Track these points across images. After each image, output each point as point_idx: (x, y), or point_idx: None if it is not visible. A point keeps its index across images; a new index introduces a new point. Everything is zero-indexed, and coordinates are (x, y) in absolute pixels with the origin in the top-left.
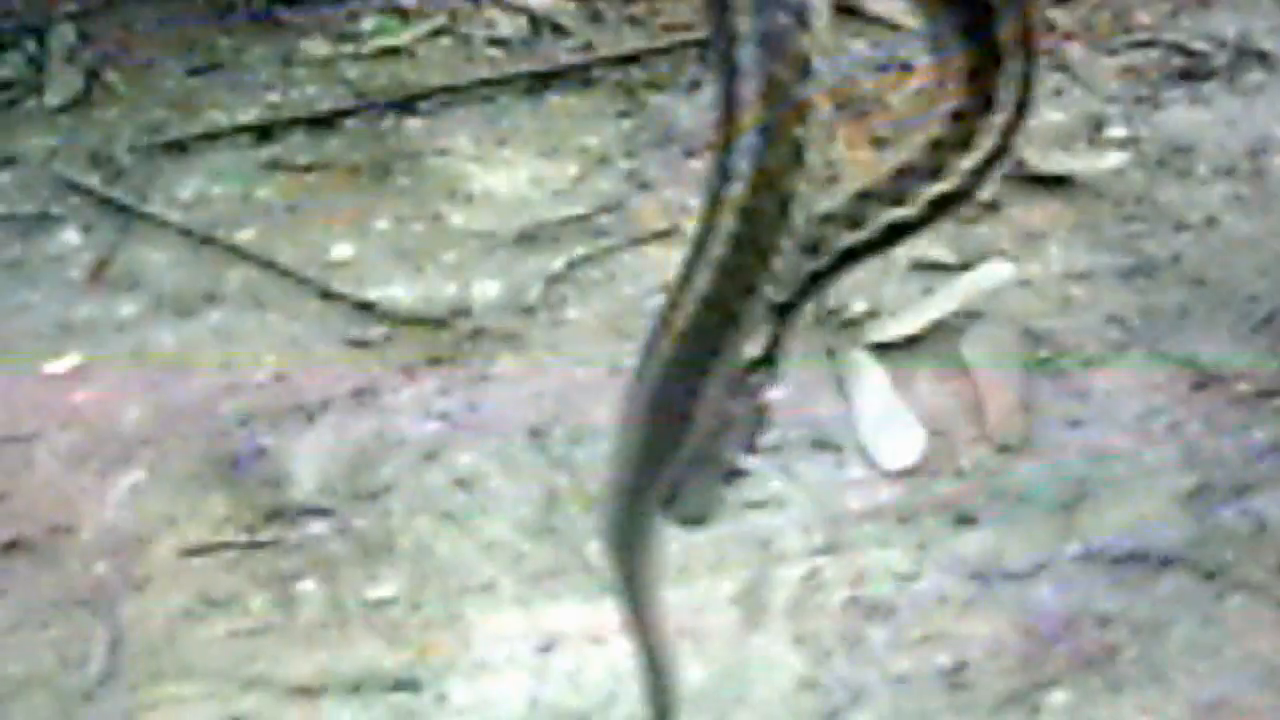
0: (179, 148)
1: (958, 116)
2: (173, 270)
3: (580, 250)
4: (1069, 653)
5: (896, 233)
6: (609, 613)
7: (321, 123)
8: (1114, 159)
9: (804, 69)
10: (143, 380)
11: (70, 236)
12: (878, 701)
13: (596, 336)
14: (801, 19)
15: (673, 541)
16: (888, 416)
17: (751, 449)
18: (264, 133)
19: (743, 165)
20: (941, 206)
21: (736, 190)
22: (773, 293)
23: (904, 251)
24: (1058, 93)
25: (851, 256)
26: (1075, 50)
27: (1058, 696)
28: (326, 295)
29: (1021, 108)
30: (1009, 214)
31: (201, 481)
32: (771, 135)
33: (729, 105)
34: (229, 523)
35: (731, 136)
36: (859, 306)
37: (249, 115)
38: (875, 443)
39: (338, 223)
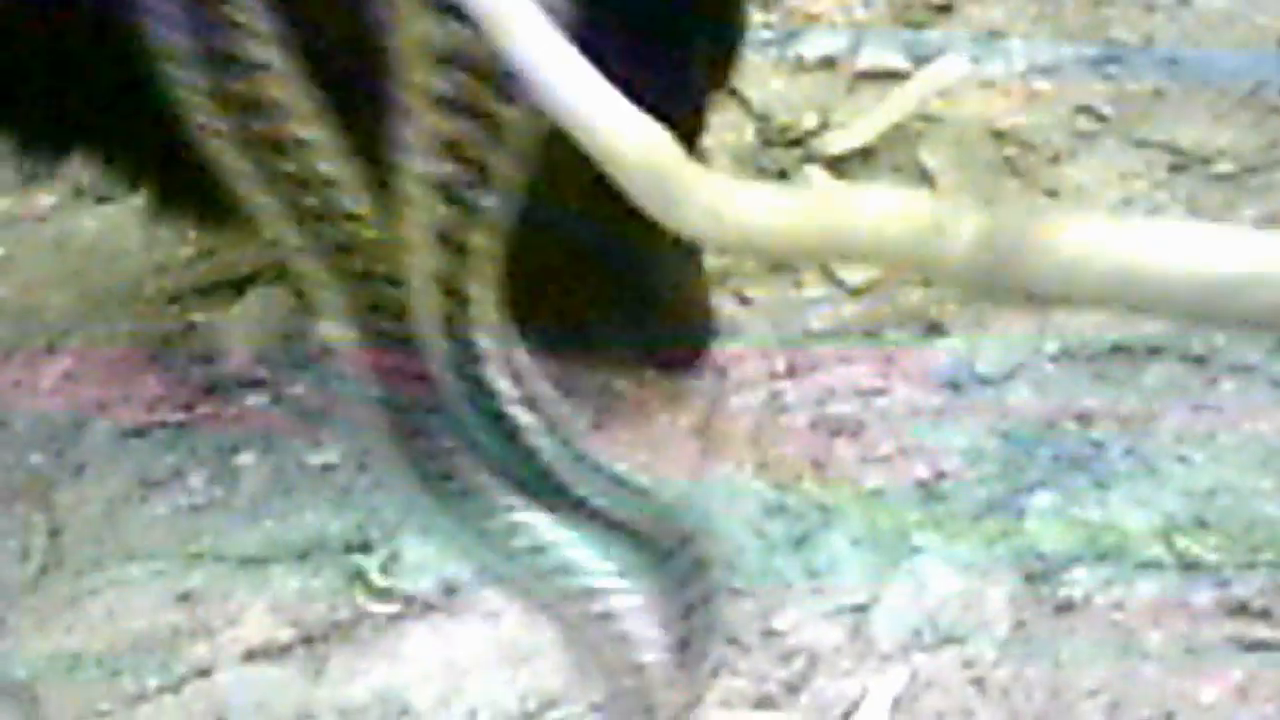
0: None
1: None
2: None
3: None
4: (1052, 454)
5: None
6: None
7: None
8: None
9: None
10: (66, 269)
11: None
12: (850, 520)
13: None
14: None
15: (622, 381)
16: None
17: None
18: None
19: None
20: None
21: None
22: None
23: (851, 61)
24: None
25: None
26: None
27: (1042, 499)
28: None
29: None
30: (964, 13)
31: (133, 363)
32: None
33: None
34: (164, 402)
35: None
36: (807, 122)
37: None
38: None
39: None
